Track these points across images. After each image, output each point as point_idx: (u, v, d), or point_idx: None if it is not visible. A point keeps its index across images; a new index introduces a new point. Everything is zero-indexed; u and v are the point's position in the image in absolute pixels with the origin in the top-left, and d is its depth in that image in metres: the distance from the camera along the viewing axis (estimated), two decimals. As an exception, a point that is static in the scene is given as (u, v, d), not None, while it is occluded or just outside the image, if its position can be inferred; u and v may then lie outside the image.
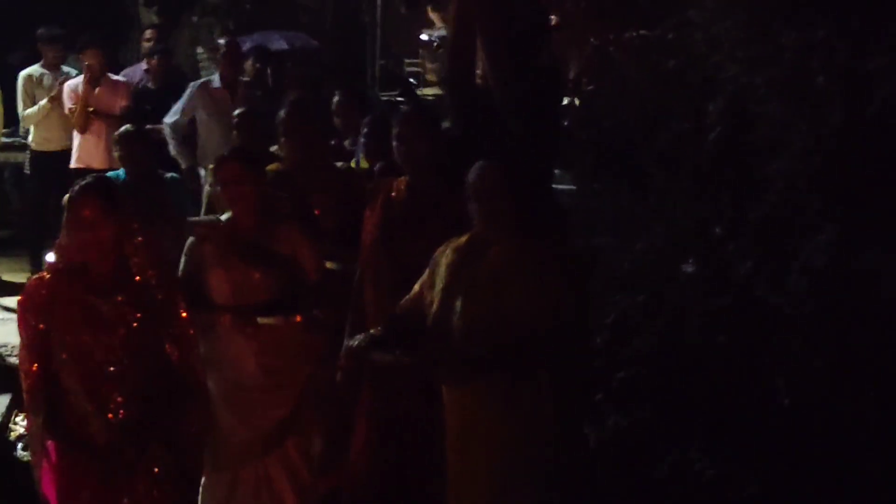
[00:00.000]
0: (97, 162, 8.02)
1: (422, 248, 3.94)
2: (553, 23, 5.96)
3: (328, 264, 4.71)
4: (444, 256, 3.77)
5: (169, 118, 7.62)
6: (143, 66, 8.75)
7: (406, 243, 4.20)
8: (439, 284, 3.75)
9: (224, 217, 4.51)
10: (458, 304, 3.68)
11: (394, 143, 4.28)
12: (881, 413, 3.17)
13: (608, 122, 5.15)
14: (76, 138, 8.26)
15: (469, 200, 3.75)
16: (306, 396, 4.56)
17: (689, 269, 4.42)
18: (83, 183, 3.50)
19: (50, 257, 4.76)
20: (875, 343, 3.28)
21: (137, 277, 3.47)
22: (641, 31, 4.99)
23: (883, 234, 3.31)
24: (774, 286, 3.68)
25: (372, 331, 3.97)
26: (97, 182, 3.62)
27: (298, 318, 4.44)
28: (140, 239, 3.47)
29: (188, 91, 7.64)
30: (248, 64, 8.30)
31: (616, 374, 4.51)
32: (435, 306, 3.73)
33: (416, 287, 3.86)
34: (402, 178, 4.34)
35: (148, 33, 9.35)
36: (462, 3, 5.75)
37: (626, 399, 4.47)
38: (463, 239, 3.74)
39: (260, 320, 4.35)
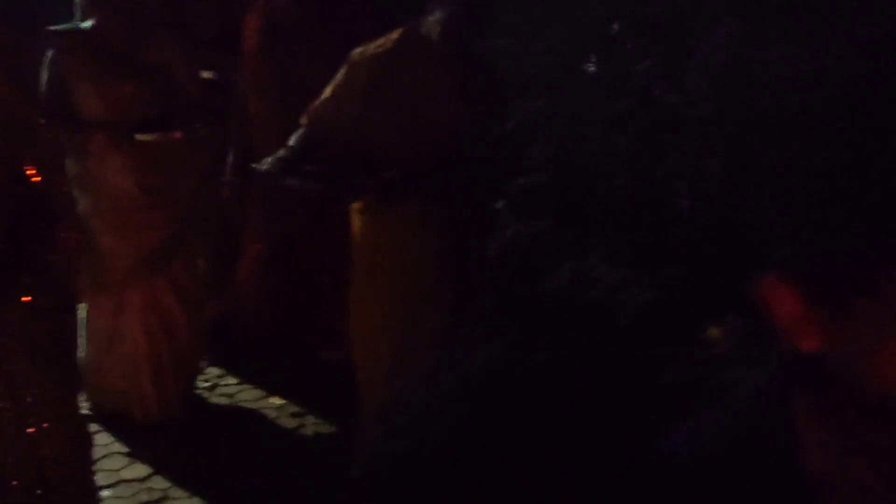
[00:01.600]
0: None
1: (310, 56, 3.72)
2: None
3: (205, 74, 4.46)
4: (366, 60, 3.51)
5: None
6: None
7: (292, 50, 3.97)
8: (359, 92, 3.49)
9: (87, 23, 4.21)
10: (383, 112, 3.46)
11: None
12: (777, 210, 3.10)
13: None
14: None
15: None
16: (191, 214, 4.39)
17: (589, 69, 4.28)
18: None
19: None
20: (771, 144, 3.19)
21: None
22: None
23: (783, 28, 3.17)
24: (673, 86, 3.56)
25: (280, 151, 3.75)
26: None
27: (178, 135, 4.23)
28: None
29: None
30: None
31: (516, 181, 4.41)
32: (356, 112, 3.48)
33: (329, 91, 3.59)
34: (284, -21, 4.10)
35: None
36: None
37: (527, 207, 4.38)
38: (387, 43, 3.48)
39: (137, 137, 4.13)
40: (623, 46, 3.71)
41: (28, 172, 3.33)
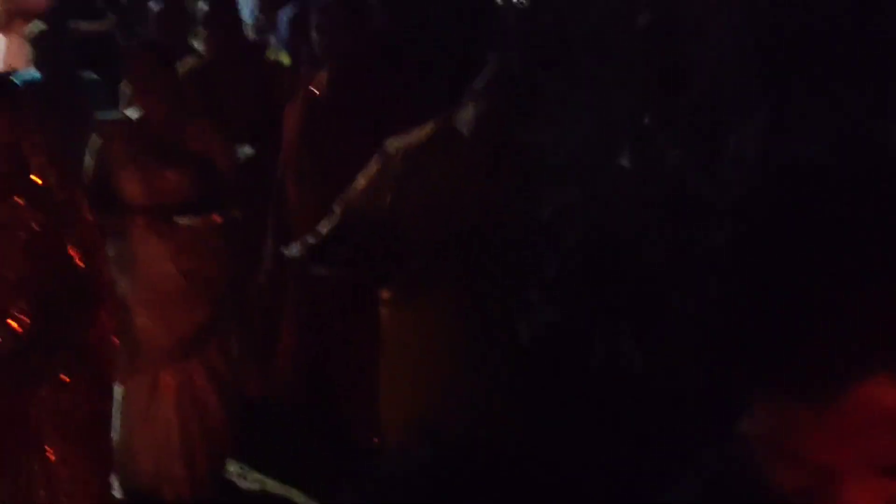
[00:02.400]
0: (22, 63, 7.76)
1: (346, 145, 3.82)
2: None
3: (243, 160, 4.58)
4: (398, 152, 3.61)
5: None
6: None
7: (329, 140, 4.07)
8: (391, 182, 3.58)
9: (133, 113, 4.35)
10: (414, 203, 3.53)
11: (313, 35, 4.13)
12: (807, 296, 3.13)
13: (539, 9, 5.01)
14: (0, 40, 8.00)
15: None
16: (227, 298, 4.46)
17: (622, 159, 4.34)
18: None
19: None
20: (810, 234, 3.22)
21: (37, 179, 3.34)
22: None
23: (814, 122, 3.23)
24: (705, 175, 3.61)
25: (309, 237, 3.83)
26: None
27: (217, 219, 4.32)
28: (39, 138, 3.34)
29: None
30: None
31: (548, 268, 4.45)
32: (388, 203, 3.56)
33: (362, 182, 3.68)
34: (324, 72, 4.20)
35: None
36: None
37: (559, 292, 4.42)
38: (421, 135, 3.58)
39: (177, 220, 4.22)
40: (655, 137, 3.77)
41: (70, 254, 3.42)
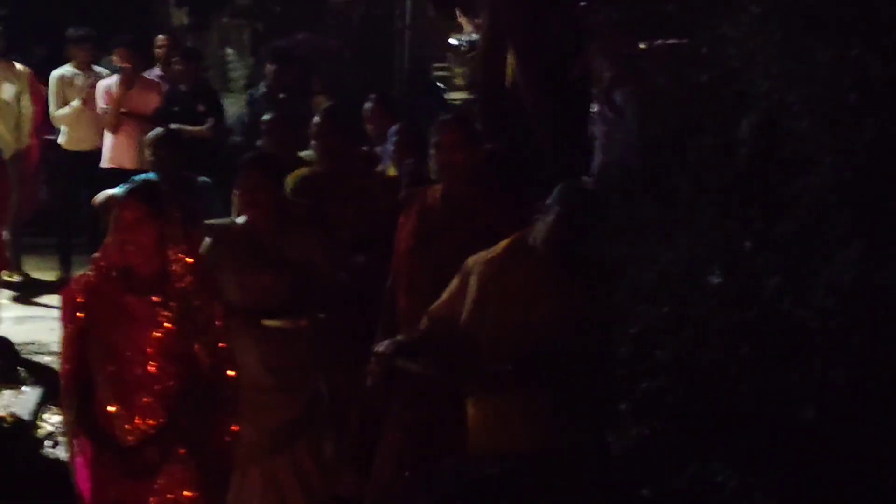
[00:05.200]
0: (128, 162, 8.12)
1: (456, 257, 4.00)
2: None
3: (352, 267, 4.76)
4: (476, 267, 3.82)
5: None
6: (156, 71, 8.82)
7: (441, 252, 4.27)
8: (470, 295, 3.80)
9: (240, 219, 4.59)
10: (488, 316, 3.72)
11: (432, 152, 4.32)
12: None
13: (637, 132, 5.17)
14: (107, 138, 8.36)
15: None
16: (317, 398, 4.62)
17: (714, 280, 4.43)
18: (130, 186, 3.59)
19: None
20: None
21: (176, 282, 3.53)
22: (671, 41, 5.00)
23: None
24: (800, 301, 3.69)
25: (399, 336, 4.03)
26: (143, 186, 3.72)
27: (305, 323, 4.51)
28: (184, 246, 3.54)
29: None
30: (267, 66, 8.37)
31: (639, 384, 4.53)
32: (465, 316, 3.78)
33: (445, 295, 3.91)
34: (437, 185, 4.38)
35: (159, 39, 9.43)
36: (494, 12, 5.79)
37: (649, 409, 4.49)
38: (496, 250, 3.79)
39: (264, 323, 4.43)
40: (752, 261, 3.87)
41: (199, 358, 3.59)
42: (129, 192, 3.61)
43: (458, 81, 10.87)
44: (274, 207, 4.63)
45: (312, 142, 5.37)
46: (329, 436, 4.93)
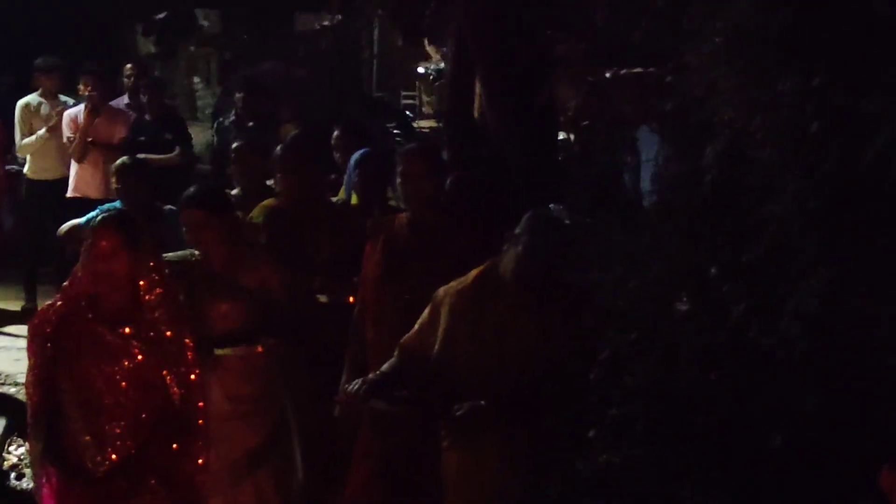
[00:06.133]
0: (94, 191, 8.07)
1: (425, 287, 3.99)
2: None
3: (321, 298, 4.76)
4: (447, 298, 3.82)
5: None
6: (125, 100, 8.81)
7: (408, 281, 4.26)
8: (442, 326, 3.79)
9: (193, 253, 4.59)
10: (460, 348, 3.71)
11: (398, 181, 4.33)
12: (869, 456, 3.21)
13: (604, 160, 5.19)
14: (73, 167, 8.31)
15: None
16: (280, 427, 4.60)
17: (682, 307, 4.45)
18: (104, 215, 3.57)
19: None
20: (865, 388, 3.33)
21: (147, 313, 3.51)
22: (637, 70, 5.04)
23: (875, 280, 3.36)
24: (767, 328, 3.72)
25: (371, 375, 4.01)
26: (117, 215, 3.69)
27: (259, 350, 4.49)
28: (156, 277, 3.52)
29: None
30: (236, 94, 8.39)
31: (608, 410, 4.53)
32: (437, 348, 3.77)
33: (417, 327, 3.90)
34: (404, 214, 4.38)
35: (128, 69, 9.42)
36: (461, 41, 5.82)
37: (619, 435, 4.49)
38: (467, 281, 3.79)
39: (217, 352, 4.41)
40: (719, 288, 3.89)
41: (169, 388, 3.56)
42: (104, 221, 3.58)
43: (426, 109, 10.92)
44: (221, 241, 4.61)
45: (277, 172, 5.34)
46: (296, 465, 4.90)
